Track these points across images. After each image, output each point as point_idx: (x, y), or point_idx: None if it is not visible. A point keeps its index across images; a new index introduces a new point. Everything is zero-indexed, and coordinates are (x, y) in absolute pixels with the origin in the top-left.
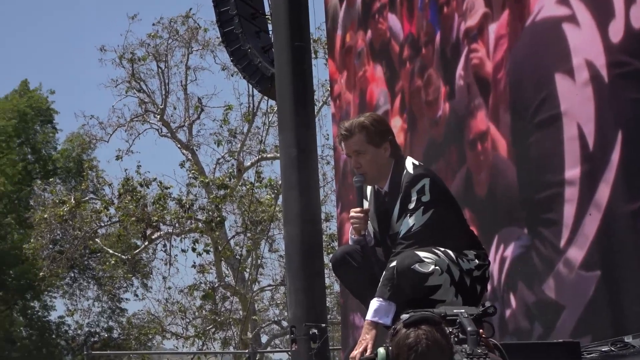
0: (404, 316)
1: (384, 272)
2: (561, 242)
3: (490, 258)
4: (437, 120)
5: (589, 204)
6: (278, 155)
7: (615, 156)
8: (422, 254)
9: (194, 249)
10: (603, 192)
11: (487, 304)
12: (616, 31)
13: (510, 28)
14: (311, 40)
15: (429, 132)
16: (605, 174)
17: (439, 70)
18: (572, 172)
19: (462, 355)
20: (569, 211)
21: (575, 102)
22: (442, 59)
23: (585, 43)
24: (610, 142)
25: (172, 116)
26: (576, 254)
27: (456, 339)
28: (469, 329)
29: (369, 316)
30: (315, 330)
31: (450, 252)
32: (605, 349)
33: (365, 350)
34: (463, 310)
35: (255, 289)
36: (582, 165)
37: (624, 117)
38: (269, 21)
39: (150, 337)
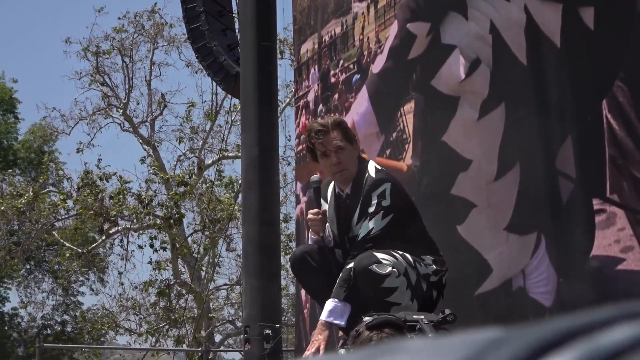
0: (367, 319)
1: (341, 273)
2: None
3: None
4: None
5: None
6: (239, 154)
7: None
8: (380, 255)
9: (151, 245)
10: None
11: (447, 311)
12: None
13: None
14: (278, 41)
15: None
16: None
17: None
18: None
19: None
20: None
21: None
22: None
23: None
24: None
25: (134, 111)
26: None
27: None
28: (430, 335)
29: (324, 316)
30: (269, 331)
31: (408, 255)
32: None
33: (318, 350)
34: (423, 317)
35: (211, 288)
36: None
37: None
38: (236, 19)
39: (103, 332)
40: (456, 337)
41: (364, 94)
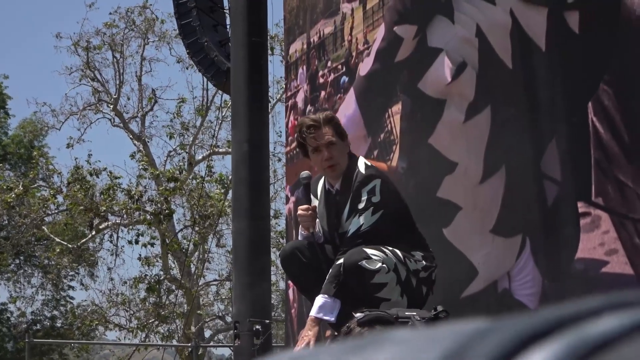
0: (358, 315)
1: (331, 269)
2: None
3: None
4: None
5: None
6: (230, 150)
7: None
8: (369, 251)
9: (137, 242)
10: None
11: (439, 308)
12: None
13: None
14: (268, 37)
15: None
16: None
17: None
18: None
19: None
20: None
21: None
22: None
23: None
24: None
25: (125, 106)
26: None
27: None
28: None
29: (313, 312)
30: (259, 327)
31: (398, 251)
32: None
33: (307, 346)
34: (415, 313)
35: (200, 284)
36: None
37: None
38: (227, 15)
39: (92, 327)
40: (443, 327)
41: (351, 95)
